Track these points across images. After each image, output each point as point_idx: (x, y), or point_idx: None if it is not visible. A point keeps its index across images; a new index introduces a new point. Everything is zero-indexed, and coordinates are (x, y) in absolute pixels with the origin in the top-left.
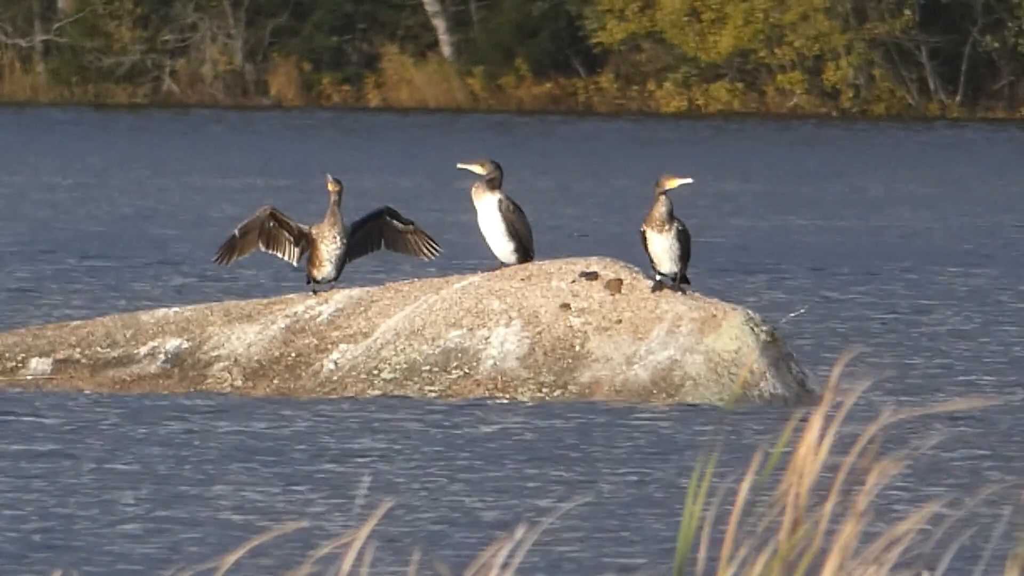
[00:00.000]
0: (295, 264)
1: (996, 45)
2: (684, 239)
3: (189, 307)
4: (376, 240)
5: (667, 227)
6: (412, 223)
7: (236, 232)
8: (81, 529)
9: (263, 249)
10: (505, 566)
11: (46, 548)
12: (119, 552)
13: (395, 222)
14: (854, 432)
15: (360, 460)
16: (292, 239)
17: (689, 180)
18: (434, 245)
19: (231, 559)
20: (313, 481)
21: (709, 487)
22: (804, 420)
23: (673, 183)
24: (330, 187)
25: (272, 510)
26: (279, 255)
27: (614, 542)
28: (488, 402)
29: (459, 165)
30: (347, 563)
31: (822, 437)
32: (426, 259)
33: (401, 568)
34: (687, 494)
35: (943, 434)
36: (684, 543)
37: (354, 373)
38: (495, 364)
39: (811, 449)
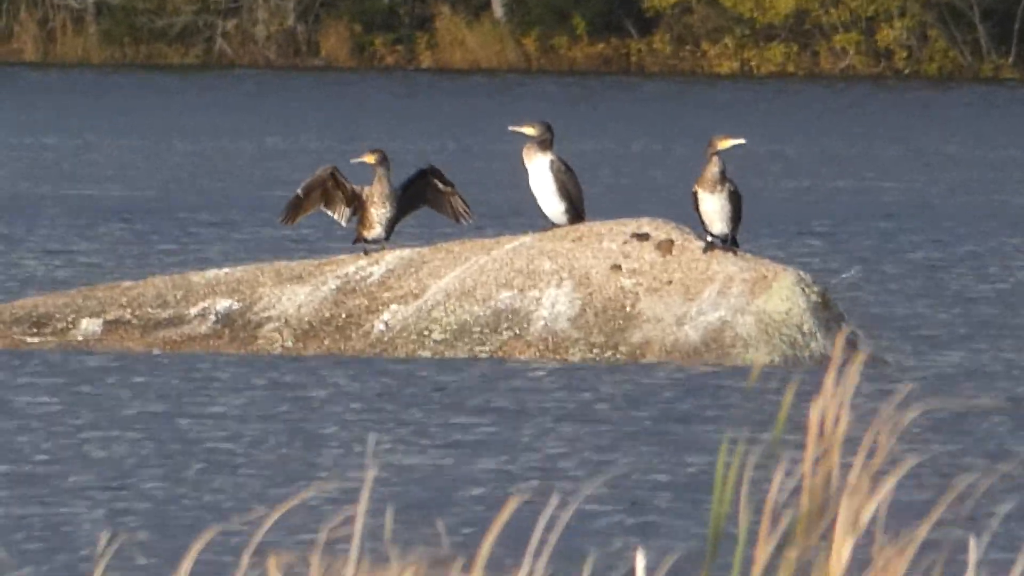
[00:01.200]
0: (343, 224)
1: None
2: (736, 200)
3: (240, 267)
4: (420, 199)
5: (719, 187)
6: (452, 185)
7: (299, 192)
8: (140, 482)
9: (321, 208)
10: (547, 531)
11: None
12: (167, 511)
13: (436, 181)
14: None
15: (393, 417)
16: (345, 199)
17: (742, 140)
18: (468, 210)
19: (270, 518)
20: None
21: (742, 459)
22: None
23: (726, 143)
24: (367, 160)
25: (316, 466)
26: (331, 214)
27: (652, 512)
28: (539, 362)
29: (510, 128)
30: (358, 526)
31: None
32: (461, 223)
33: (424, 531)
34: (715, 475)
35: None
36: (716, 523)
37: (405, 334)
38: (546, 325)
39: (826, 411)
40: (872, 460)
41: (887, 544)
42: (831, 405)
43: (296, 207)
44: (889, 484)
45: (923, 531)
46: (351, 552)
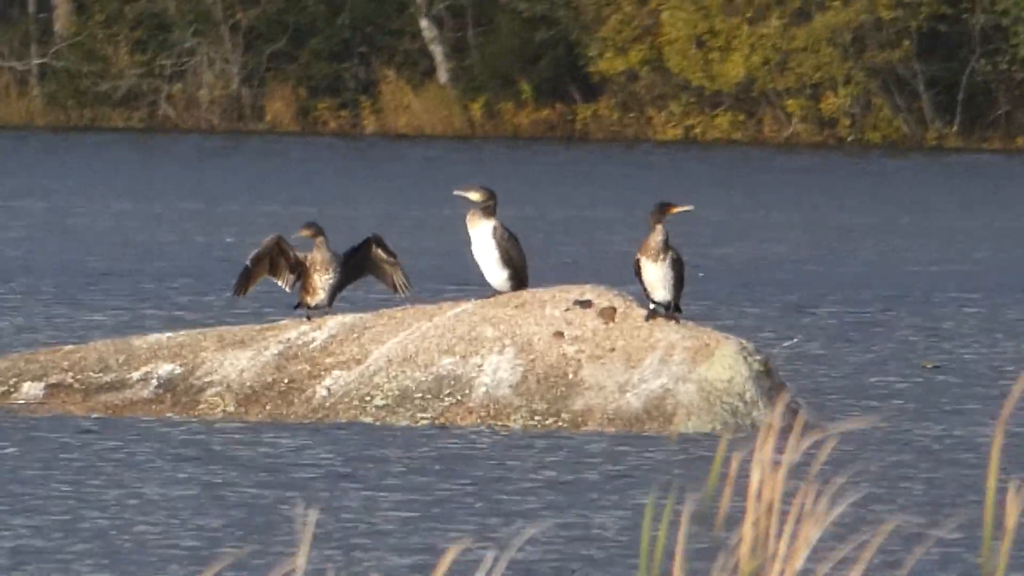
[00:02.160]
0: (288, 290)
1: (992, 73)
2: (678, 267)
3: (182, 332)
4: (365, 267)
5: (662, 256)
6: (394, 255)
7: (248, 263)
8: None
9: (268, 277)
10: None
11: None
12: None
13: (379, 251)
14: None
15: (326, 484)
16: (289, 267)
17: (690, 208)
18: (407, 282)
19: None
20: (281, 506)
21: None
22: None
23: (674, 210)
24: (305, 234)
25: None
26: (278, 282)
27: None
28: (479, 429)
29: (455, 192)
30: None
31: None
32: (399, 294)
33: None
34: (643, 522)
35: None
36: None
37: (346, 399)
38: (488, 391)
39: (763, 473)
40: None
41: None
42: (767, 470)
43: (246, 278)
44: (816, 533)
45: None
46: None
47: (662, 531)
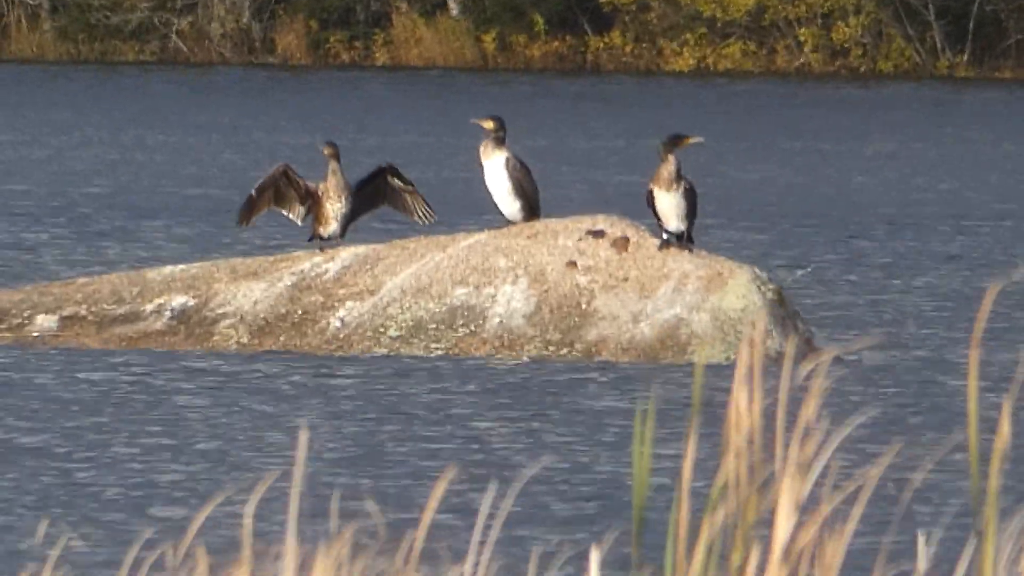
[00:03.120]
0: (299, 222)
1: (1002, 3)
2: (691, 197)
3: (195, 264)
4: (378, 197)
5: (674, 185)
6: (412, 184)
7: (253, 192)
8: (76, 481)
9: (273, 207)
10: (490, 517)
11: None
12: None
13: (395, 180)
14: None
15: (326, 413)
16: (299, 197)
17: (700, 139)
18: (429, 210)
19: (202, 514)
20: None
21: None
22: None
23: (684, 142)
24: (325, 151)
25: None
26: (285, 213)
27: (584, 498)
28: (493, 359)
29: (472, 120)
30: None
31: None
32: (420, 222)
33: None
34: (633, 454)
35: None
36: (638, 500)
37: (360, 331)
38: (501, 322)
39: (743, 406)
40: (807, 438)
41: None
42: (781, 397)
43: (251, 207)
44: (827, 453)
45: (859, 509)
46: (288, 533)
47: (644, 450)
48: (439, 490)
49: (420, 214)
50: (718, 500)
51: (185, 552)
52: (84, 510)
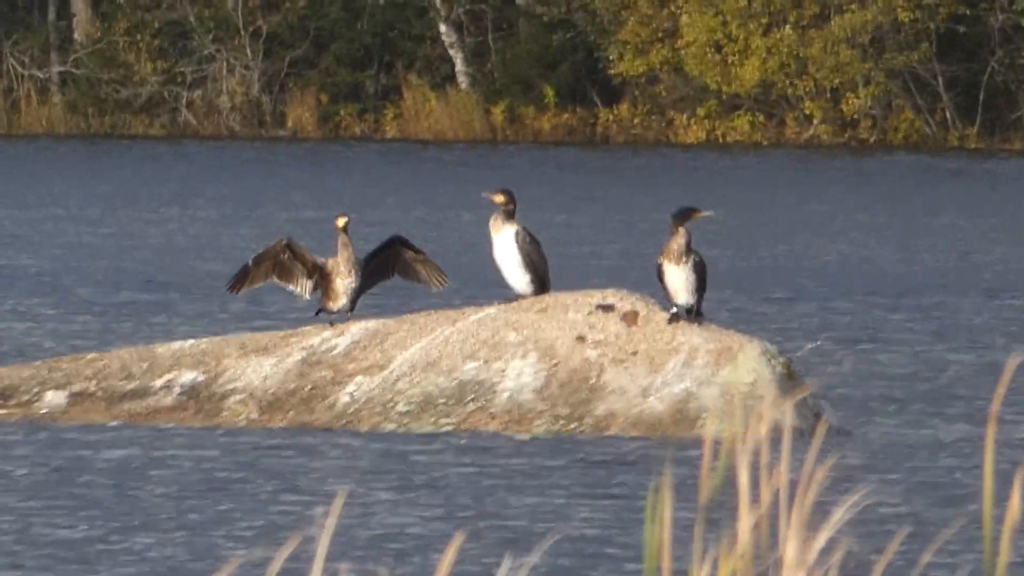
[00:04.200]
0: (307, 297)
1: (1012, 74)
2: (701, 271)
3: (204, 339)
4: (389, 269)
5: (684, 259)
6: (423, 252)
7: (250, 262)
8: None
9: (275, 281)
10: None
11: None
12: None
13: (406, 251)
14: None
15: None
16: (306, 272)
17: (710, 213)
18: (443, 277)
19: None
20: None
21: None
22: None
23: (695, 216)
24: (339, 222)
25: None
26: (290, 287)
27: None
28: (503, 435)
29: (484, 194)
30: None
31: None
32: (435, 289)
33: None
34: (645, 519)
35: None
36: (649, 565)
37: (369, 406)
38: (511, 396)
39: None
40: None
41: None
42: (778, 470)
43: (244, 276)
44: (829, 529)
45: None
46: None
47: (657, 529)
48: (448, 559)
49: (434, 281)
50: None
51: None
52: None
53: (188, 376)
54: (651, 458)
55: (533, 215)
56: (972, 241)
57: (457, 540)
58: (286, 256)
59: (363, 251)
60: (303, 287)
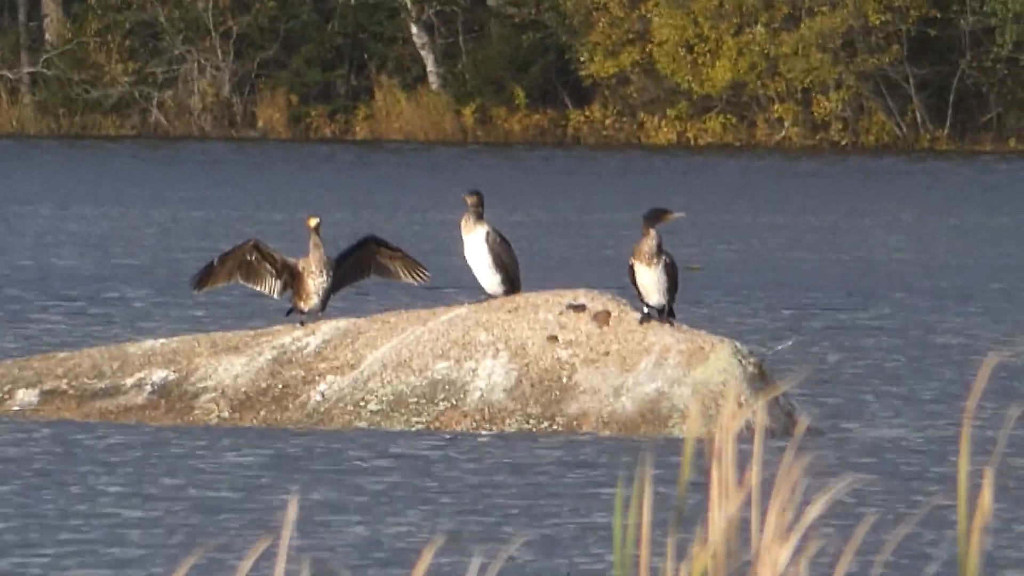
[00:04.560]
0: (276, 296)
1: (982, 75)
2: (672, 272)
3: (175, 338)
4: (364, 269)
5: (655, 260)
6: (400, 249)
7: (215, 261)
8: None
9: (240, 281)
10: None
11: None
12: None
13: (382, 249)
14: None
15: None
16: (275, 272)
17: (682, 215)
18: (423, 271)
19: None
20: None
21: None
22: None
23: (667, 217)
24: (310, 223)
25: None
26: (258, 288)
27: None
28: (474, 434)
29: (463, 196)
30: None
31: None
32: (415, 283)
33: None
34: (614, 520)
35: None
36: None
37: (341, 404)
38: (482, 396)
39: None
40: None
41: None
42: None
43: (208, 274)
44: (804, 525)
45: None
46: None
47: (627, 521)
48: (424, 563)
49: (415, 275)
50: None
51: None
52: None
53: (159, 375)
54: (622, 456)
55: (504, 216)
56: (944, 242)
57: (433, 546)
58: (253, 257)
59: (336, 251)
60: (271, 288)
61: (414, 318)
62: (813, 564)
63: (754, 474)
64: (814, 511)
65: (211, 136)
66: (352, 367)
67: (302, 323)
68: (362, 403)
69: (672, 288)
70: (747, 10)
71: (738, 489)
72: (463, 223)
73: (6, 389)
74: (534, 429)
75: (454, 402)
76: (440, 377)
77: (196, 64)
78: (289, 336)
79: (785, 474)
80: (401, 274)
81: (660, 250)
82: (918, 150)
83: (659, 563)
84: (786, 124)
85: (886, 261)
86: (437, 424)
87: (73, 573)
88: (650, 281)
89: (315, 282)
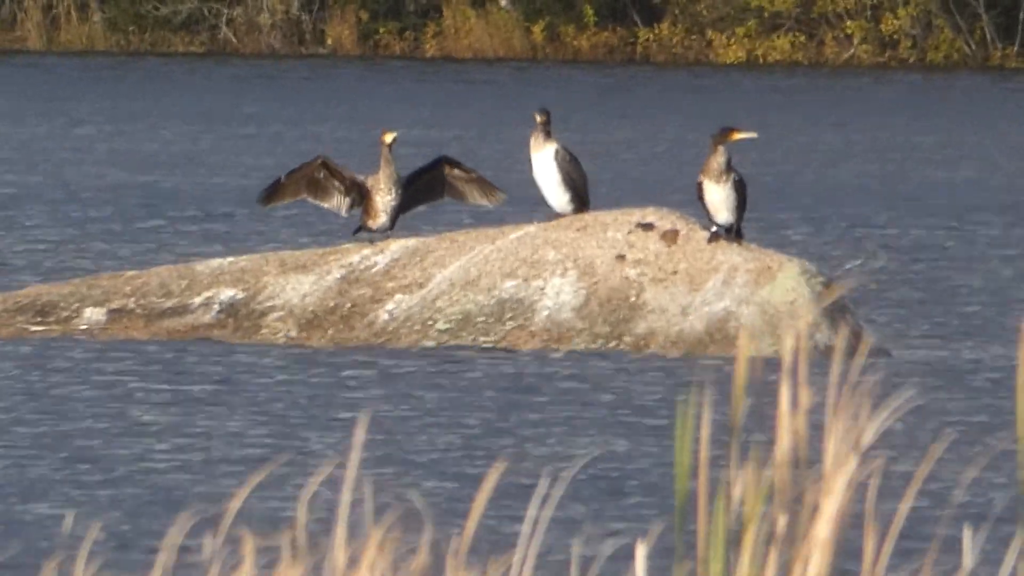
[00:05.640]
0: (343, 214)
1: None
2: (741, 189)
3: (244, 257)
4: (436, 190)
5: (724, 177)
6: (474, 171)
7: (282, 177)
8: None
9: (308, 199)
10: (536, 521)
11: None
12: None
13: (456, 170)
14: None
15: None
16: (343, 189)
17: (754, 135)
18: (498, 193)
19: (242, 493)
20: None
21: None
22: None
23: (736, 136)
24: (386, 138)
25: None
26: (326, 205)
27: (633, 492)
28: (542, 352)
29: (533, 113)
30: (346, 492)
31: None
32: (490, 205)
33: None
34: (676, 437)
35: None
36: (680, 492)
37: (409, 324)
38: (550, 315)
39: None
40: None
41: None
42: (831, 393)
43: (275, 190)
44: (870, 445)
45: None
46: (337, 527)
47: (688, 443)
48: (489, 484)
49: (489, 196)
50: (765, 495)
51: (226, 536)
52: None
53: (227, 294)
54: (689, 375)
55: (572, 134)
56: (1016, 161)
57: (500, 465)
58: (321, 174)
59: (406, 170)
60: (339, 205)
61: (482, 236)
62: (882, 484)
63: (821, 390)
64: (880, 428)
65: (280, 53)
66: (420, 286)
67: (370, 241)
68: (430, 322)
69: (741, 206)
70: None
71: (805, 407)
72: (532, 140)
73: (74, 307)
74: (601, 349)
75: (522, 321)
76: (508, 296)
77: None
78: (357, 255)
79: (851, 392)
80: (475, 196)
81: (729, 167)
82: (987, 68)
83: (721, 481)
84: (855, 42)
85: (956, 181)
86: (504, 343)
87: (151, 480)
88: (719, 198)
89: (383, 200)
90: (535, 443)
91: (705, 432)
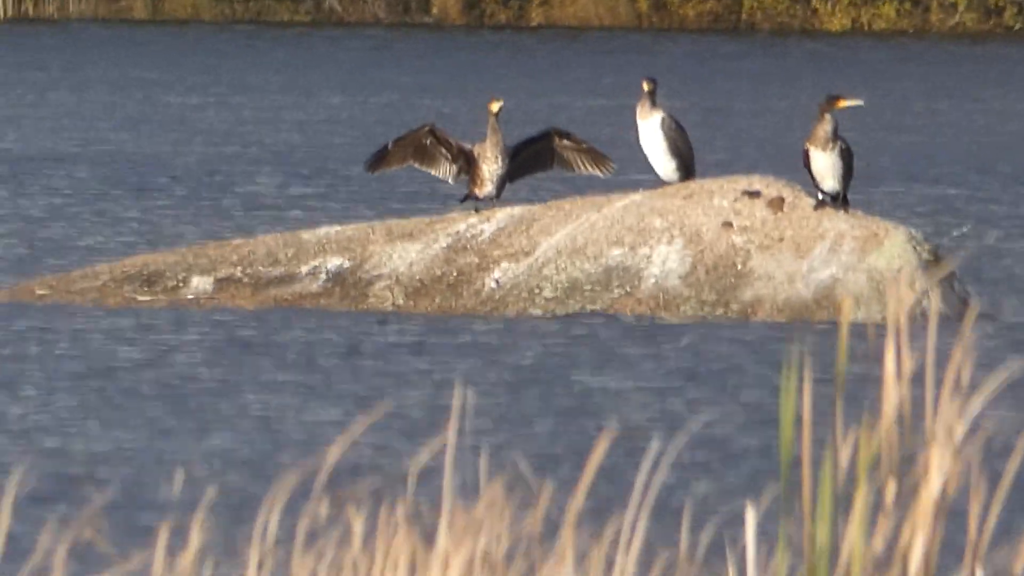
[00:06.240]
0: (450, 182)
1: None
2: (847, 157)
3: (351, 225)
4: (544, 161)
5: (831, 145)
6: (584, 141)
7: (390, 143)
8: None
9: (416, 165)
10: (646, 487)
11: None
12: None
13: (566, 141)
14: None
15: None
16: (450, 157)
17: (860, 102)
18: (608, 163)
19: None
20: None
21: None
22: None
23: (843, 104)
24: (492, 107)
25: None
26: (433, 172)
27: (743, 455)
28: (649, 320)
29: (642, 81)
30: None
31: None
32: (601, 176)
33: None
34: (781, 406)
35: None
36: (785, 455)
37: (515, 291)
38: (657, 282)
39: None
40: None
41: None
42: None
43: (382, 157)
44: (979, 401)
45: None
46: (445, 487)
47: (792, 402)
48: (600, 450)
49: (600, 167)
50: (872, 459)
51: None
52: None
53: (334, 262)
54: (796, 342)
55: (679, 102)
56: None
57: (608, 434)
58: (428, 141)
59: (512, 139)
60: (446, 172)
61: (589, 204)
62: (986, 449)
63: (928, 354)
64: (988, 394)
65: (384, 22)
66: (527, 254)
67: (477, 210)
68: (537, 290)
69: (847, 174)
70: None
71: (911, 372)
72: (638, 109)
73: (181, 276)
74: (708, 316)
75: (628, 288)
76: (615, 264)
77: None
78: (464, 223)
79: (958, 357)
80: (586, 166)
81: (836, 135)
82: None
83: (826, 445)
84: (960, 9)
85: None
86: (611, 310)
87: (254, 444)
88: (825, 166)
89: (490, 168)
90: (644, 409)
91: (807, 397)
